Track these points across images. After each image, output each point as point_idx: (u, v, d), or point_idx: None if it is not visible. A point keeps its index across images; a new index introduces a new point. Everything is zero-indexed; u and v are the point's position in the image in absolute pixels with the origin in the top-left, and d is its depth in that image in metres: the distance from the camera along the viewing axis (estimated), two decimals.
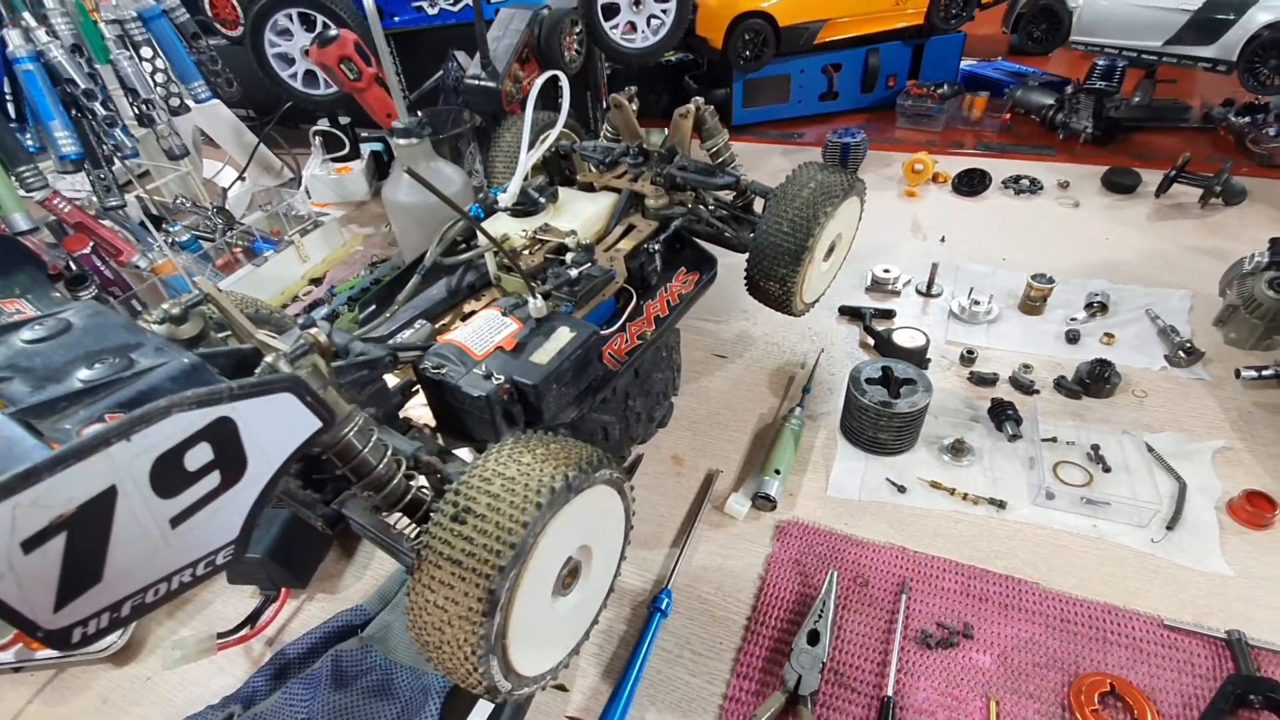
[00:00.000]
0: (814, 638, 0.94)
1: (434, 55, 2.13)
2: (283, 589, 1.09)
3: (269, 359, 0.71)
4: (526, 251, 1.17)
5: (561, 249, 1.16)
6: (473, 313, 1.24)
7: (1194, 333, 1.43)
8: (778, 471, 1.18)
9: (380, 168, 2.42)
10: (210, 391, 0.46)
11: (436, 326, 1.21)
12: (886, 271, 1.68)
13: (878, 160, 2.31)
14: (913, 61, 2.69)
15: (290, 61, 1.98)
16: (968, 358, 1.42)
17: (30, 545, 0.40)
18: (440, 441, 1.02)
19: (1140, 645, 0.93)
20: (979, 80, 2.76)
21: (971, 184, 2.05)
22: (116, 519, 0.43)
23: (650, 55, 2.05)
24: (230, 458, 0.49)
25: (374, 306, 1.27)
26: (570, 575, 0.81)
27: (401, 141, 1.51)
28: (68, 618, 0.43)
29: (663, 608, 1.01)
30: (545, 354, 0.95)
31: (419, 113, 2.05)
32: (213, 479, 0.48)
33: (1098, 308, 1.51)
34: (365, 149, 2.39)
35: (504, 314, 1.01)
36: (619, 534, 0.89)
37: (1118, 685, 0.87)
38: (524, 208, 1.25)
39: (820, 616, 0.97)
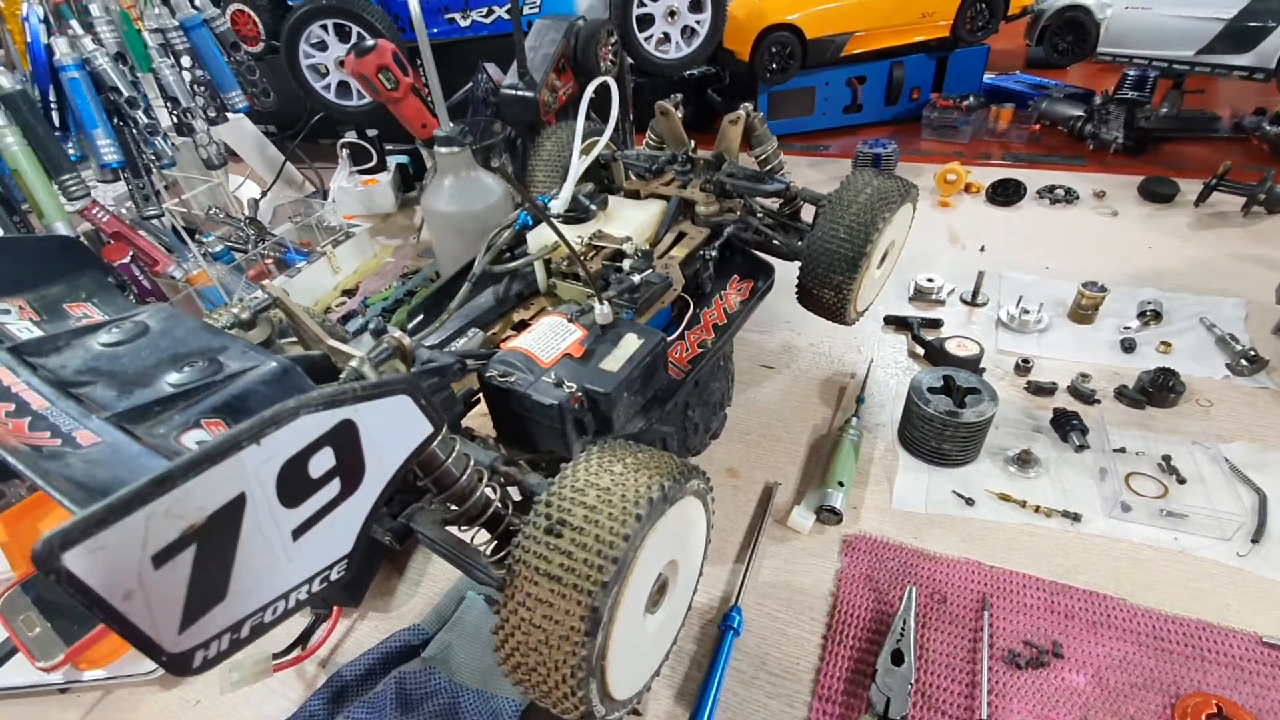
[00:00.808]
0: (898, 658, 0.90)
1: (463, 68, 2.13)
2: (335, 607, 1.05)
3: (353, 364, 0.68)
4: (584, 257, 1.14)
5: (618, 255, 1.13)
6: (522, 322, 1.21)
7: (1253, 340, 1.40)
8: (841, 483, 1.14)
9: (406, 180, 2.41)
10: (336, 392, 0.43)
11: (488, 335, 1.19)
12: (930, 280, 1.65)
13: (907, 171, 2.30)
14: (936, 74, 2.70)
15: (323, 73, 1.97)
16: (1023, 367, 1.39)
17: (161, 559, 0.36)
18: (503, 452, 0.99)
19: (1241, 664, 0.89)
20: (1001, 93, 2.76)
21: (1006, 194, 2.03)
22: (243, 530, 0.40)
23: (683, 67, 2.05)
24: (351, 464, 0.46)
25: (422, 315, 1.24)
26: (659, 591, 0.78)
27: (444, 150, 1.50)
28: (191, 639, 0.39)
29: (735, 626, 0.97)
30: (615, 361, 0.92)
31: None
32: (333, 487, 0.45)
33: (1150, 316, 1.48)
34: (391, 161, 2.38)
35: (569, 320, 0.98)
36: (700, 547, 0.85)
37: (1225, 707, 0.83)
38: (576, 214, 1.23)
39: (902, 635, 0.93)
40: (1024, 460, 1.18)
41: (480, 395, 0.96)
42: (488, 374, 0.92)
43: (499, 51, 2.03)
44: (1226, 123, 2.35)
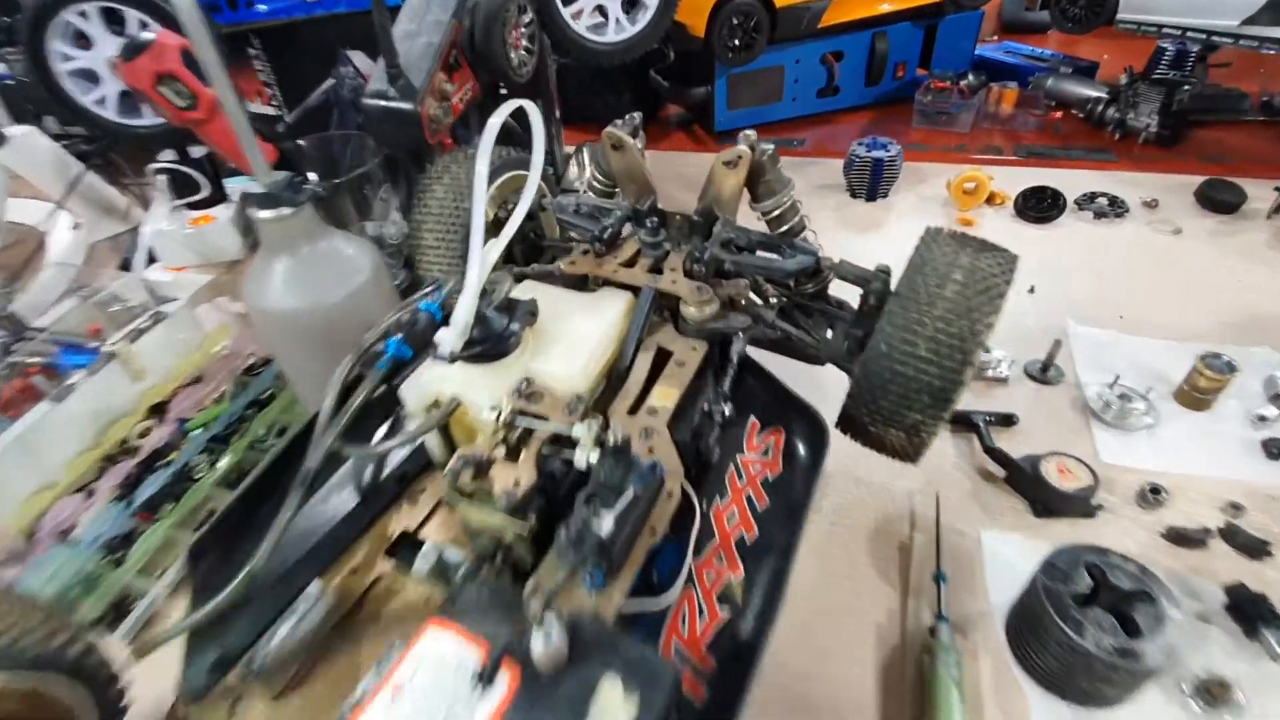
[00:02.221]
0: None
1: (320, 57, 1.51)
2: None
3: None
4: (501, 447, 0.64)
5: (561, 440, 0.63)
6: (406, 537, 0.71)
7: None
8: None
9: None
10: None
11: (341, 577, 0.68)
12: (987, 352, 1.22)
13: (908, 175, 1.85)
14: (924, 46, 2.25)
15: (96, 79, 1.32)
16: (1151, 498, 0.98)
17: None
18: None
19: None
20: (991, 66, 2.35)
21: (1041, 207, 1.62)
22: None
23: (625, 53, 1.51)
24: None
25: (216, 553, 0.71)
26: None
27: (267, 214, 0.92)
28: None
29: None
30: None
31: (299, 141, 1.44)
32: None
33: None
34: (234, 187, 1.74)
35: (481, 677, 0.47)
36: None
37: None
38: (484, 350, 0.70)
39: None
40: (1212, 695, 0.77)
41: None
42: None
43: (367, 33, 1.43)
44: (1253, 101, 2.02)
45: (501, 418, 0.64)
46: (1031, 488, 0.99)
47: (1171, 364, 1.18)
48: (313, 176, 1.48)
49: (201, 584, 0.68)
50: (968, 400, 1.17)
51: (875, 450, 0.87)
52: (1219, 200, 1.59)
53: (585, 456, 0.61)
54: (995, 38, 2.87)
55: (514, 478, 0.61)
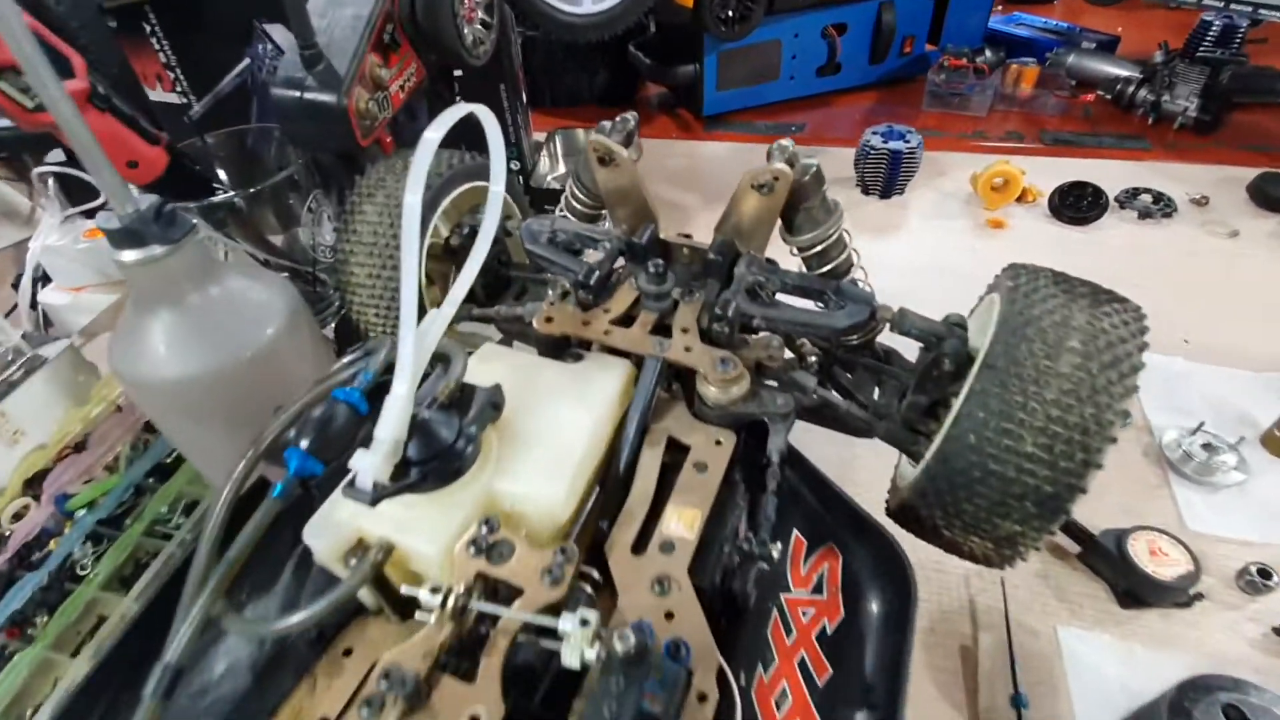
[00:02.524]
0: None
1: (232, 32, 1.24)
2: None
3: None
4: (449, 630, 0.43)
5: (543, 631, 0.43)
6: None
7: None
8: None
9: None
10: None
11: None
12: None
13: (925, 165, 1.65)
14: (934, 17, 2.03)
15: None
16: (1260, 583, 0.81)
17: None
18: None
19: None
20: (1003, 40, 2.14)
21: (1079, 206, 1.43)
22: None
23: (607, 26, 1.26)
24: None
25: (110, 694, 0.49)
26: None
27: (128, 256, 0.68)
28: None
29: None
30: None
31: (206, 139, 1.18)
32: None
33: None
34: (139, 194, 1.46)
35: None
36: None
37: None
38: (426, 471, 0.48)
39: None
40: None
41: None
42: None
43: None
44: None
45: (450, 605, 0.43)
46: (1117, 572, 0.81)
47: (1254, 401, 1.01)
48: (225, 177, 1.23)
49: None
50: None
51: (945, 550, 0.67)
52: (1277, 197, 1.42)
53: (578, 657, 0.41)
54: (1000, 8, 2.65)
55: (468, 714, 0.40)
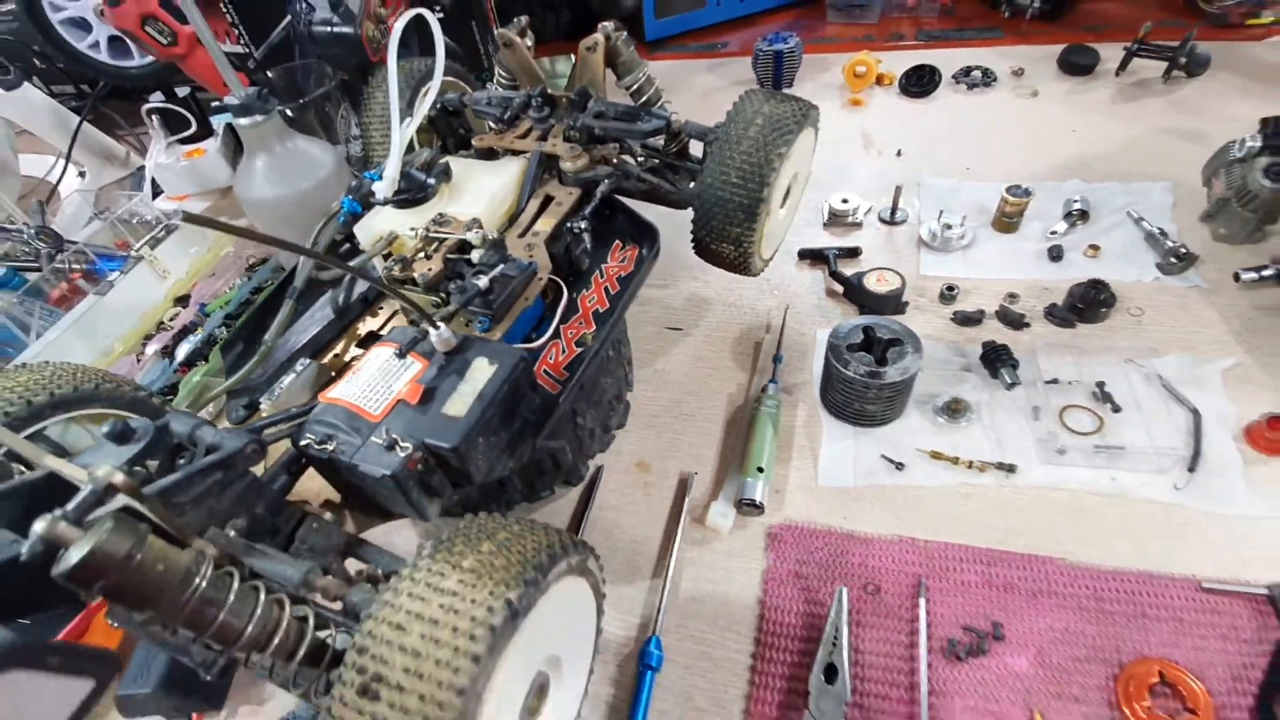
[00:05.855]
0: (831, 673, 0.82)
1: None
2: (195, 716, 0.89)
3: (39, 526, 0.48)
4: (421, 255, 0.93)
5: (464, 246, 0.92)
6: (372, 335, 1.00)
7: (1181, 231, 1.31)
8: (760, 469, 1.02)
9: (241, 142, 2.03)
10: None
11: (327, 360, 0.98)
12: (845, 202, 1.49)
13: (812, 65, 2.06)
14: None
15: (87, 26, 1.56)
16: (947, 295, 1.27)
17: None
18: (351, 525, 0.82)
19: (1180, 616, 0.84)
20: None
21: (920, 83, 1.84)
22: None
23: None
24: None
25: (240, 346, 1.02)
26: (539, 694, 0.65)
27: (243, 121, 1.20)
28: None
29: (653, 663, 0.86)
30: (462, 401, 0.74)
31: (268, 74, 1.68)
32: None
33: (1077, 216, 1.37)
34: (217, 122, 1.99)
35: (400, 354, 0.78)
36: (590, 620, 0.72)
37: (1167, 673, 0.78)
38: (409, 196, 0.99)
39: (835, 646, 0.84)
40: (954, 409, 1.08)
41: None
42: (302, 442, 0.73)
43: None
44: None
45: (419, 234, 0.93)
46: (858, 296, 1.28)
47: (993, 200, 1.44)
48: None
49: (230, 367, 0.99)
50: (825, 240, 1.46)
51: (718, 266, 1.15)
52: (1076, 64, 1.80)
53: (479, 254, 0.90)
54: None
55: (428, 268, 0.90)
